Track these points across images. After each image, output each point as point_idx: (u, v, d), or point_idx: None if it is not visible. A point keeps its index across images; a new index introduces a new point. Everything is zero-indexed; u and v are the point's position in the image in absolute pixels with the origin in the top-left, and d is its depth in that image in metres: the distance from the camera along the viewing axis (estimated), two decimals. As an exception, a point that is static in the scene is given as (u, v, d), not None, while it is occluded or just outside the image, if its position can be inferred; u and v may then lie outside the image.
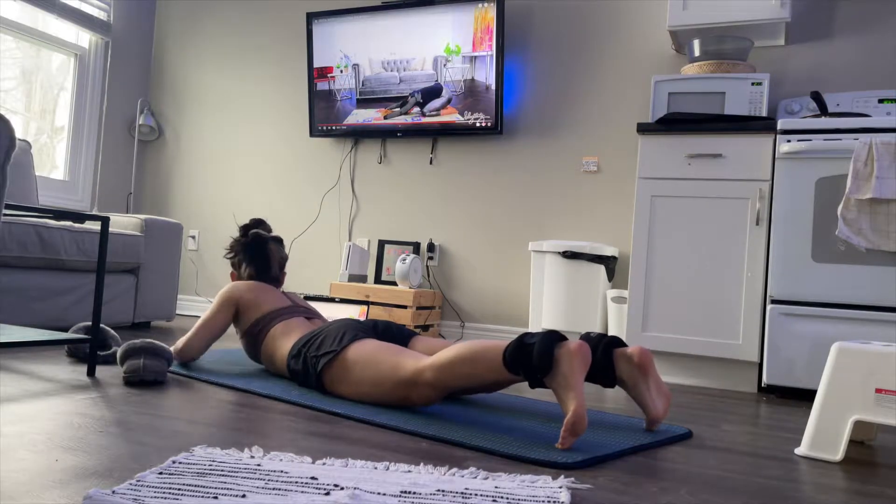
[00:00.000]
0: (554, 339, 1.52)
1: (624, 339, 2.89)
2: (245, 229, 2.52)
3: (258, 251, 2.47)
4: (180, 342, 2.23)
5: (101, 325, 2.32)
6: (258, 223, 2.55)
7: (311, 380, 1.94)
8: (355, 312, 3.23)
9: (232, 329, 3.65)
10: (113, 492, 0.99)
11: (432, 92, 3.73)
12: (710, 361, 2.74)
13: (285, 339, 2.12)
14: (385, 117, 3.85)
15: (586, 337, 1.76)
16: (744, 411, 2.18)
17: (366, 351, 1.83)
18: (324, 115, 4.01)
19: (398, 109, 3.82)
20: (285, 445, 1.36)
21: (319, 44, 3.98)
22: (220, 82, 4.46)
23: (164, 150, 4.60)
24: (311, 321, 2.26)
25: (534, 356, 1.50)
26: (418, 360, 1.72)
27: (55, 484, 1.05)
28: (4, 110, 3.82)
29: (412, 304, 3.47)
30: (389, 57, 3.82)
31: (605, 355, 1.72)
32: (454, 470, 1.22)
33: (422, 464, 1.26)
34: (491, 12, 3.55)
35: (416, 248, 3.84)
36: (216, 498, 1.00)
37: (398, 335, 2.09)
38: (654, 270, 2.79)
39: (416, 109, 3.77)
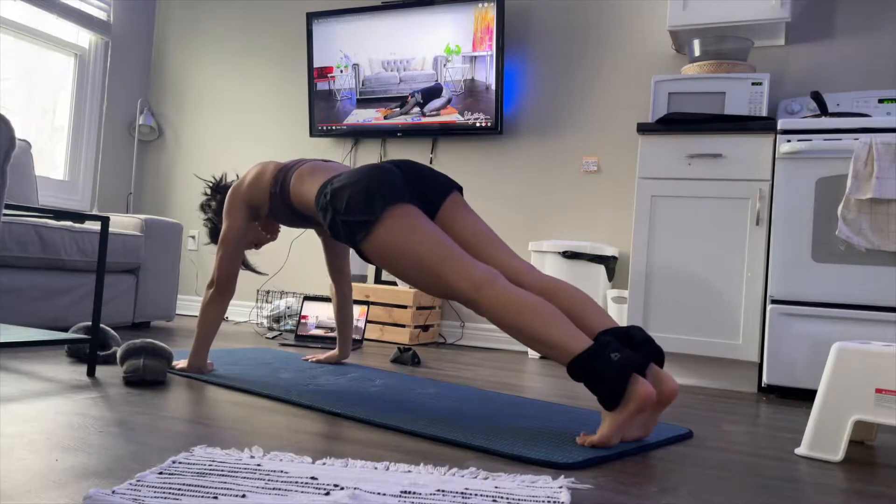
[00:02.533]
0: (624, 380, 1.41)
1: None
2: (216, 185, 2.43)
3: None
4: (213, 274, 2.14)
5: (101, 325, 2.32)
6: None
7: (343, 240, 1.76)
8: (355, 313, 3.23)
9: (226, 328, 3.65)
10: (113, 492, 0.99)
11: (432, 92, 3.73)
12: (710, 361, 2.74)
13: (310, 183, 1.94)
14: (385, 117, 3.85)
15: (636, 332, 1.57)
16: (744, 411, 2.18)
17: (408, 242, 1.62)
18: (324, 115, 4.01)
19: (398, 109, 3.82)
20: (285, 445, 1.36)
21: (319, 44, 3.99)
22: (220, 82, 4.46)
23: (164, 150, 4.60)
24: (326, 163, 2.07)
25: (602, 390, 1.43)
26: (475, 288, 1.55)
27: (55, 484, 1.05)
28: (4, 110, 3.82)
29: (412, 305, 3.47)
30: (389, 57, 3.82)
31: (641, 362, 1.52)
32: (454, 470, 1.22)
33: (422, 464, 1.26)
34: (491, 12, 3.55)
35: (416, 248, 3.83)
36: (216, 498, 1.00)
37: (432, 183, 1.82)
38: (654, 270, 2.79)
39: (416, 109, 3.77)
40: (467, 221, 1.81)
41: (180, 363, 2.17)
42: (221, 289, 2.14)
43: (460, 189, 1.89)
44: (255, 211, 2.17)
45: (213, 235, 2.45)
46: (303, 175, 2.00)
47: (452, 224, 1.81)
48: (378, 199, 1.66)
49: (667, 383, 1.53)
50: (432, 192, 1.82)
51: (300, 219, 2.13)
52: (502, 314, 1.53)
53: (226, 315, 4.26)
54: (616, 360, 1.42)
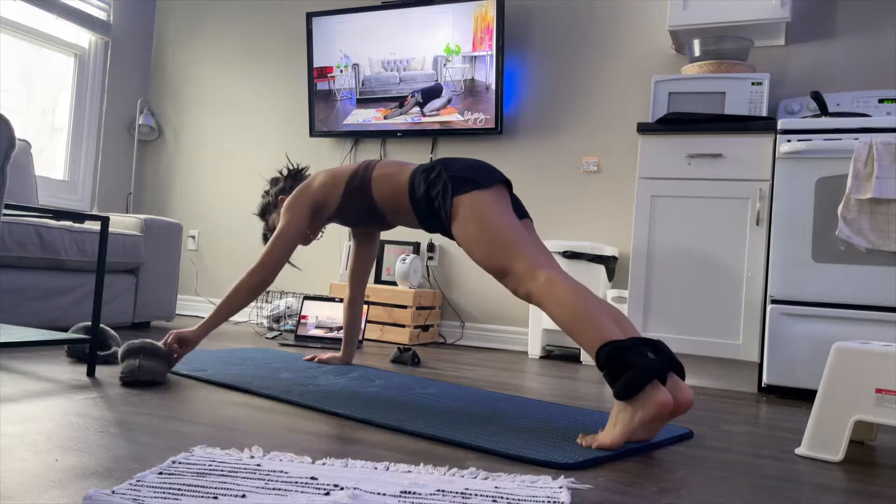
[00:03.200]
0: (650, 377, 1.43)
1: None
2: (294, 170, 2.46)
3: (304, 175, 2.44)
4: (258, 264, 2.12)
5: (101, 325, 2.32)
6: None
7: (435, 202, 1.90)
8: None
9: (226, 328, 3.65)
10: (113, 492, 0.99)
11: (432, 92, 3.73)
12: (710, 361, 2.74)
13: (399, 172, 2.04)
14: (385, 117, 3.85)
15: (661, 345, 1.59)
16: (744, 411, 2.18)
17: (499, 213, 1.80)
18: (324, 115, 4.01)
19: (398, 109, 3.82)
20: (285, 445, 1.36)
21: (319, 43, 3.99)
22: (219, 82, 4.46)
23: (164, 150, 4.60)
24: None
25: (624, 380, 1.44)
26: (533, 268, 1.69)
27: (55, 484, 1.04)
28: (4, 110, 3.82)
29: (412, 305, 3.47)
30: (389, 57, 3.82)
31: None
32: (454, 470, 1.22)
33: (422, 464, 1.26)
34: (491, 12, 3.55)
35: (416, 248, 3.84)
36: (216, 498, 1.00)
37: (518, 205, 2.01)
38: (654, 271, 2.79)
39: (416, 109, 3.77)
40: (534, 237, 1.99)
41: (172, 334, 2.07)
42: (263, 279, 2.11)
43: (531, 221, 2.08)
44: (317, 212, 2.22)
45: (262, 211, 2.47)
46: (388, 165, 2.11)
47: None
48: (490, 173, 1.89)
49: (683, 392, 1.54)
50: (517, 208, 1.99)
51: (368, 216, 2.17)
52: (556, 289, 1.63)
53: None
54: (650, 357, 1.48)
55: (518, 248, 1.74)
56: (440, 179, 1.89)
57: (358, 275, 2.51)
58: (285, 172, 2.46)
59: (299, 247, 4.15)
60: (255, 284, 2.12)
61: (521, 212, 2.00)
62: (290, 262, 2.44)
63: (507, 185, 1.95)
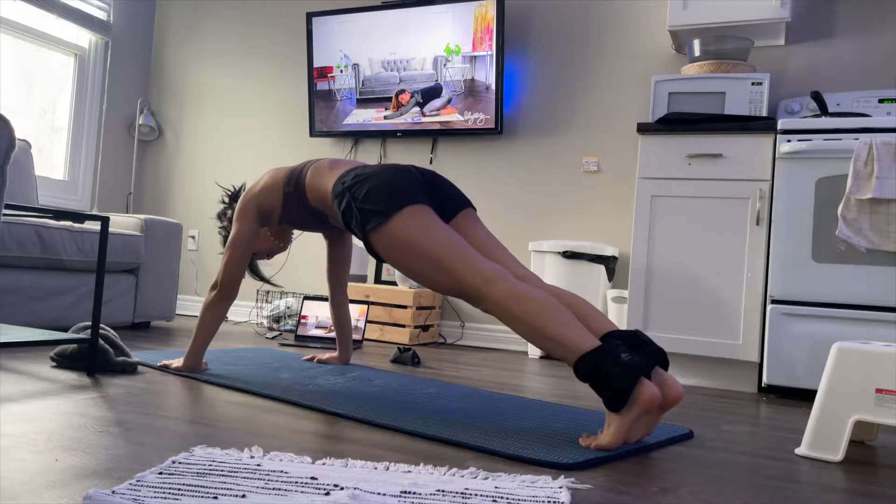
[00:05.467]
0: (632, 382, 1.40)
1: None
2: (234, 193, 2.46)
3: None
4: (217, 276, 2.14)
5: (103, 326, 2.31)
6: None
7: (356, 232, 1.78)
8: (355, 312, 3.23)
9: (226, 328, 3.65)
10: (113, 492, 0.99)
11: (432, 92, 3.73)
12: (710, 361, 2.74)
13: (328, 177, 1.95)
14: (385, 117, 3.85)
15: (639, 335, 1.58)
16: (744, 411, 2.18)
17: (421, 235, 1.64)
18: (324, 115, 4.01)
19: (399, 109, 3.82)
20: (285, 445, 1.36)
21: (319, 43, 3.99)
22: (220, 82, 4.46)
23: (164, 150, 4.60)
24: (343, 160, 2.06)
25: (609, 391, 1.42)
26: (486, 282, 1.55)
27: (55, 484, 1.04)
28: (4, 110, 3.82)
29: (412, 305, 3.47)
30: (389, 57, 3.82)
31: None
32: (454, 470, 1.22)
33: (422, 464, 1.26)
34: (491, 11, 3.55)
35: (416, 248, 3.83)
36: (216, 498, 1.00)
37: (449, 195, 1.87)
38: (654, 270, 2.79)
39: (416, 109, 3.77)
40: (478, 231, 1.86)
41: (175, 362, 2.17)
42: (224, 292, 2.14)
43: (475, 209, 1.93)
44: (265, 217, 2.18)
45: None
46: (320, 169, 2.02)
47: (464, 233, 1.85)
48: (397, 195, 1.70)
49: (672, 387, 1.52)
50: (449, 202, 1.87)
51: (314, 219, 2.13)
52: (512, 308, 1.53)
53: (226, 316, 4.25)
54: (626, 360, 1.42)
55: (457, 264, 1.60)
56: (351, 212, 1.77)
57: (335, 276, 2.48)
58: (226, 200, 2.44)
59: (294, 246, 4.14)
60: (217, 300, 2.13)
61: (457, 202, 1.87)
62: (263, 279, 2.44)
63: (428, 182, 1.81)
